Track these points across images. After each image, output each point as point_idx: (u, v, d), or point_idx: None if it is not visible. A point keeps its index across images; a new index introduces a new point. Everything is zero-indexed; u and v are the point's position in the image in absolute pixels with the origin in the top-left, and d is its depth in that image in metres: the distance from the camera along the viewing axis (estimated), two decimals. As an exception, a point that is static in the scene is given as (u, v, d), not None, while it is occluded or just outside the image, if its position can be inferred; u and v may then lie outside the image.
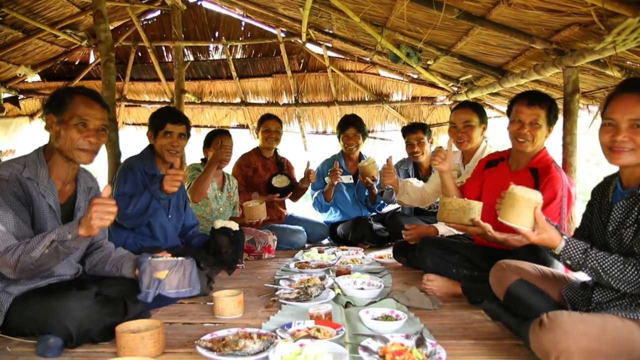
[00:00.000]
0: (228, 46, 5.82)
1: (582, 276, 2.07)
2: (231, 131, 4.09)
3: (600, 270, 1.60)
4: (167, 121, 2.85)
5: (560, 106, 2.72)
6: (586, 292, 1.80)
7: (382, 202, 4.39)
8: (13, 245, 1.77)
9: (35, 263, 1.75)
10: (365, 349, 1.70)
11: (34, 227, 1.90)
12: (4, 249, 1.76)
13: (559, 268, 2.16)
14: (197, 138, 5.72)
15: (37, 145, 2.07)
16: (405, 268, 3.25)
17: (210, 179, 3.45)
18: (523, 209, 1.72)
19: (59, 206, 2.00)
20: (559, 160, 2.86)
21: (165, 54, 6.05)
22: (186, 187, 3.40)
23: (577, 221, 2.49)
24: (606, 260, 1.59)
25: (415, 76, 5.65)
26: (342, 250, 3.69)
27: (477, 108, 3.23)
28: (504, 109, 5.34)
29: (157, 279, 1.87)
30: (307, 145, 6.49)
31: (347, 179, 4.40)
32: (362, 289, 2.54)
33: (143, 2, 5.51)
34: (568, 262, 1.68)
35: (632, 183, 1.66)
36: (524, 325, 1.78)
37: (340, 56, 5.86)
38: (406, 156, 4.29)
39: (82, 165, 2.14)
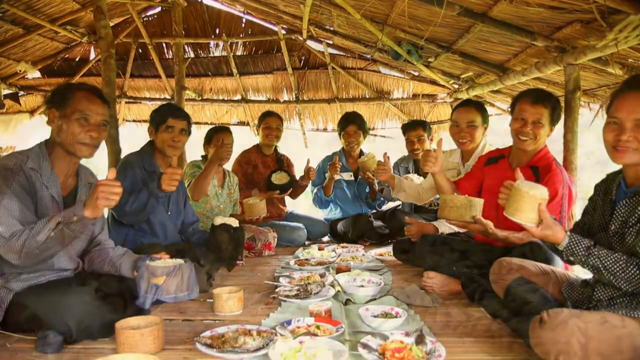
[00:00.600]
0: (229, 43, 5.81)
1: (582, 274, 2.07)
2: (231, 128, 4.08)
3: (602, 268, 1.59)
4: (169, 116, 2.85)
5: (561, 104, 2.71)
6: (587, 289, 1.79)
7: (382, 199, 4.38)
8: (18, 230, 1.80)
9: (41, 247, 1.78)
10: (365, 346, 1.70)
11: (37, 218, 1.91)
12: (9, 235, 1.80)
13: (559, 266, 2.16)
14: (197, 135, 5.71)
15: (38, 142, 2.09)
16: (405, 265, 3.25)
17: (210, 177, 3.44)
18: (528, 205, 1.72)
19: (61, 197, 2.03)
20: (559, 158, 2.86)
21: (165, 50, 6.03)
22: (186, 185, 3.40)
23: (577, 219, 2.49)
24: (609, 258, 1.59)
25: (416, 73, 5.64)
26: (342, 247, 3.69)
27: (480, 108, 3.22)
28: (505, 106, 5.35)
29: (155, 285, 1.88)
30: (307, 143, 6.48)
31: (348, 176, 4.40)
32: (362, 286, 2.54)
33: (143, -2, 5.50)
34: (571, 258, 1.68)
35: (635, 182, 1.66)
36: (524, 323, 1.78)
37: (341, 53, 5.85)
38: (406, 153, 4.29)
39: (81, 163, 2.16)
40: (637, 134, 1.58)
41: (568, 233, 1.68)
